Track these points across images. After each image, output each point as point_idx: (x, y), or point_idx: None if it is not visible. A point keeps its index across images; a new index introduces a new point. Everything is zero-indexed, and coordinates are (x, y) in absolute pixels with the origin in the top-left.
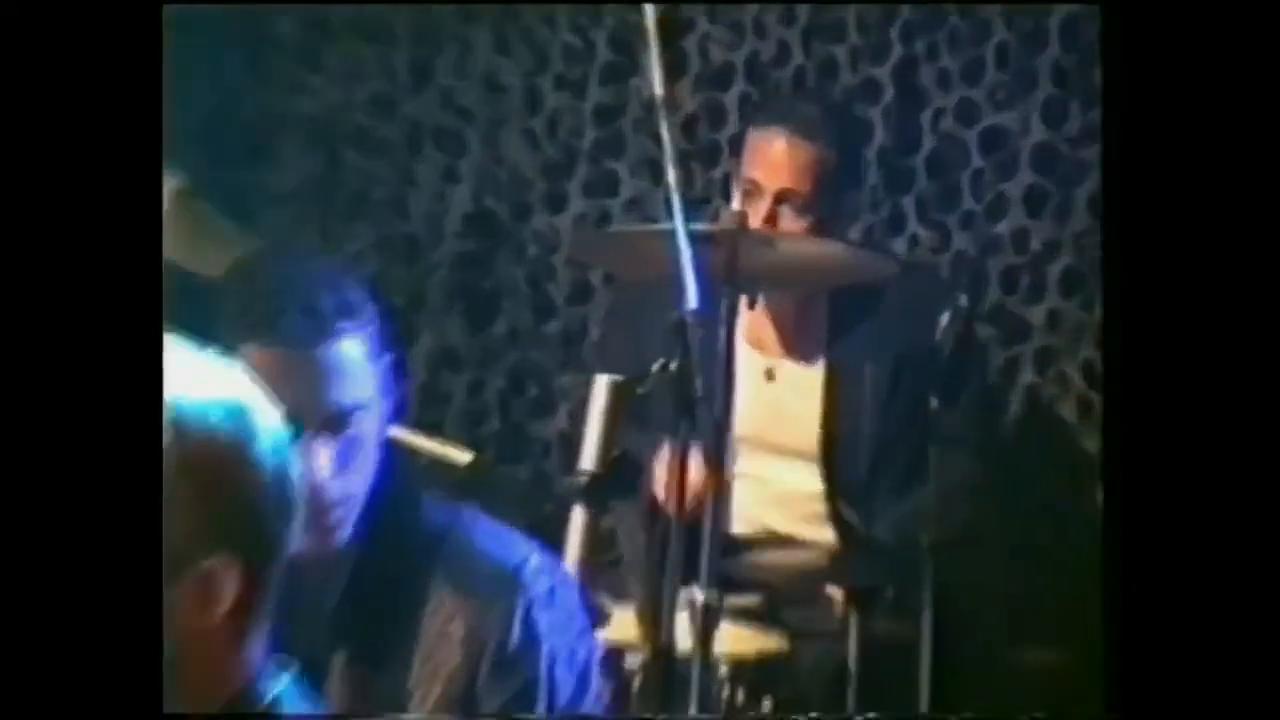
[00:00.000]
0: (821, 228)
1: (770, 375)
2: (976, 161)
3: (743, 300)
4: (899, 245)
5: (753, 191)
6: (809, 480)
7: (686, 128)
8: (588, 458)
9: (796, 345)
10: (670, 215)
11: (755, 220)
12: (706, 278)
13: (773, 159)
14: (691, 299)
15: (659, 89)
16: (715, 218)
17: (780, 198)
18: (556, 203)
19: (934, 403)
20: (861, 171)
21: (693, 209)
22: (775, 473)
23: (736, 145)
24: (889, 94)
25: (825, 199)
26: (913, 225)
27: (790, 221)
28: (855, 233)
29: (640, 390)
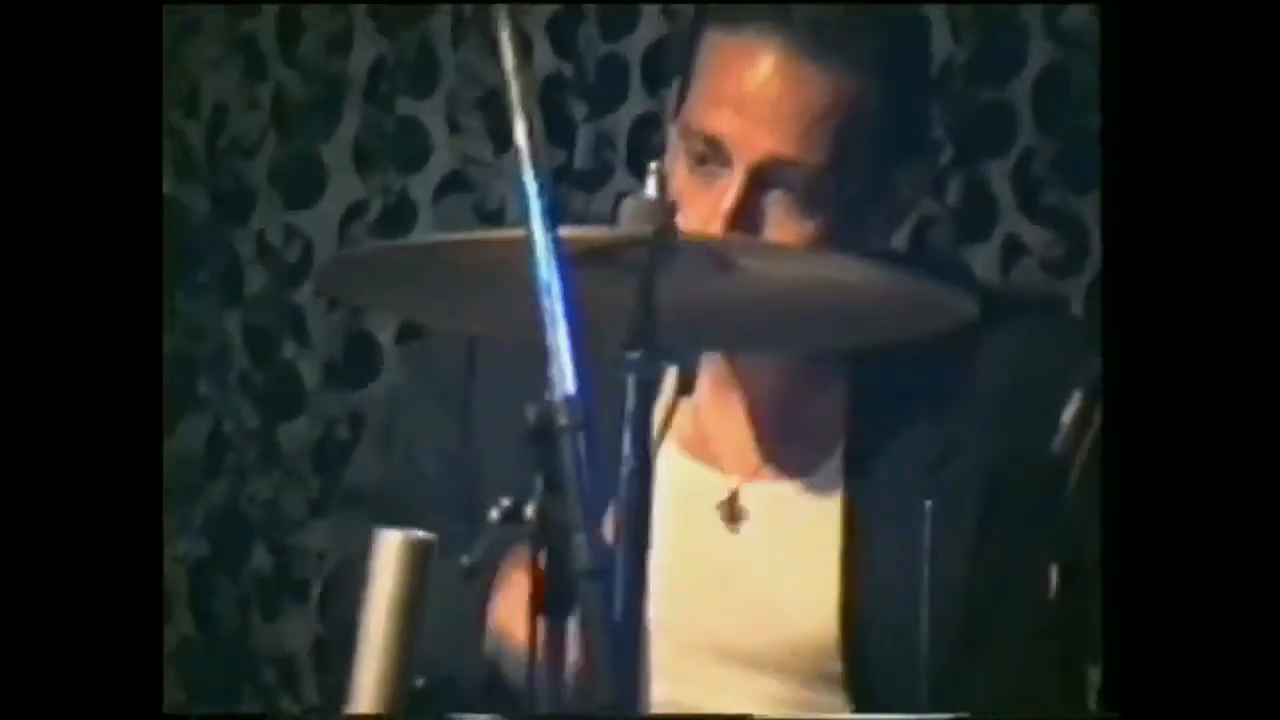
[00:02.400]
0: (838, 232)
1: (732, 512)
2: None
3: (670, 381)
4: (982, 261)
5: (709, 157)
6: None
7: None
8: (362, 693)
9: (783, 454)
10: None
11: (706, 216)
12: (598, 334)
13: (751, 95)
14: (564, 377)
15: None
16: (614, 210)
17: (763, 174)
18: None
19: (1053, 575)
20: (926, 123)
21: (577, 196)
22: (740, 698)
23: (677, 64)
24: None
25: (853, 178)
26: (1010, 220)
27: (785, 220)
28: (898, 238)
29: (466, 560)
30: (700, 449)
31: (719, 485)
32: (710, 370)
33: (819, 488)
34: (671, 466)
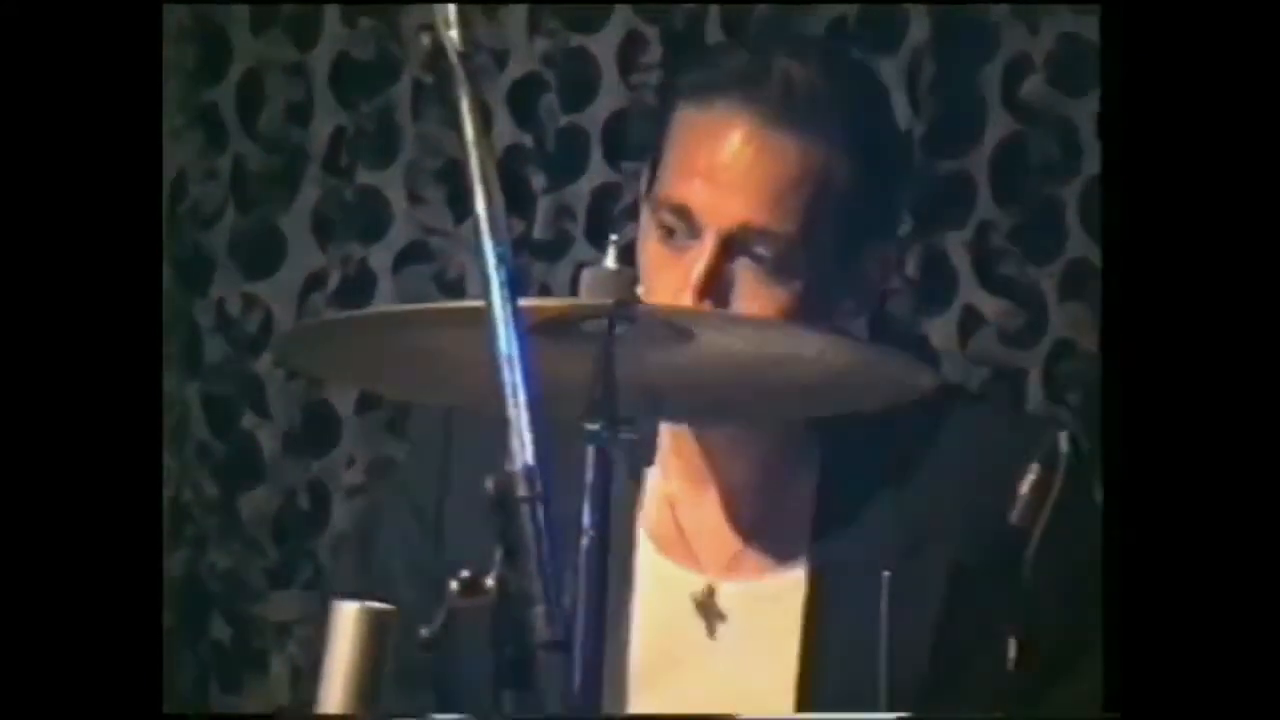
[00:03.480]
0: (807, 306)
1: (706, 607)
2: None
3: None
4: (940, 332)
5: (677, 230)
6: None
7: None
8: None
9: (758, 547)
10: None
11: (676, 288)
12: (558, 406)
13: (721, 166)
14: (523, 448)
15: None
16: (574, 281)
17: (733, 242)
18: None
19: (1012, 647)
20: (897, 202)
21: (537, 266)
22: None
23: (648, 142)
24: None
25: (822, 251)
26: (968, 291)
27: (755, 290)
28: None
29: (425, 632)
30: (676, 548)
31: (696, 582)
32: (683, 464)
33: (794, 580)
34: (648, 566)
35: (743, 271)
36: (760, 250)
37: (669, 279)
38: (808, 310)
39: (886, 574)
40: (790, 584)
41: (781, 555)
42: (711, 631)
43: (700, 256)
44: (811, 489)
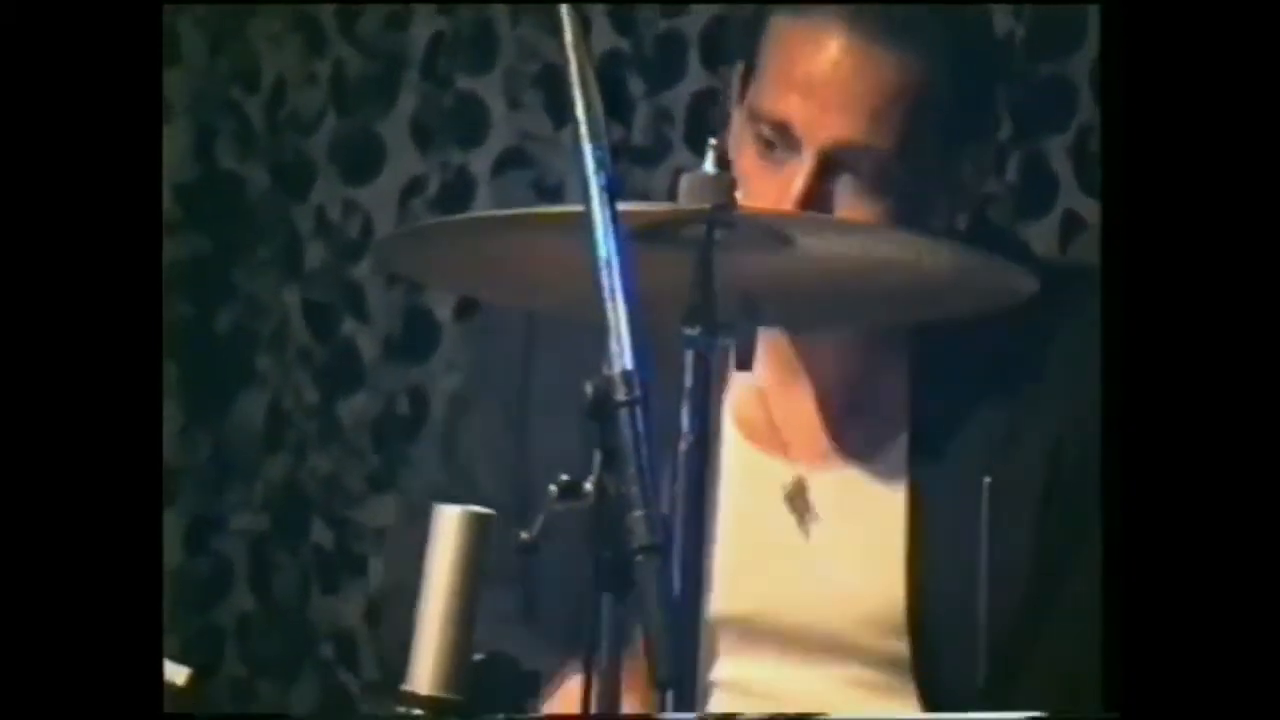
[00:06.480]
0: (904, 215)
1: (796, 497)
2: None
3: (728, 356)
4: (1041, 236)
5: (776, 144)
6: (881, 696)
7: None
8: (420, 669)
9: (849, 438)
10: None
11: (774, 201)
12: (656, 311)
13: (819, 79)
14: (622, 352)
15: None
16: (672, 186)
17: (831, 158)
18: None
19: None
20: (990, 106)
21: (636, 171)
22: (806, 681)
23: (741, 49)
24: None
25: (920, 162)
26: (1069, 196)
27: (853, 204)
28: (956, 220)
29: (525, 536)
30: (766, 437)
31: (785, 472)
32: (774, 357)
33: (885, 470)
34: (737, 455)
35: (841, 186)
36: (859, 165)
37: (767, 189)
38: (904, 219)
39: (987, 480)
40: (883, 478)
41: (874, 449)
42: (802, 524)
43: (799, 172)
44: (904, 384)
